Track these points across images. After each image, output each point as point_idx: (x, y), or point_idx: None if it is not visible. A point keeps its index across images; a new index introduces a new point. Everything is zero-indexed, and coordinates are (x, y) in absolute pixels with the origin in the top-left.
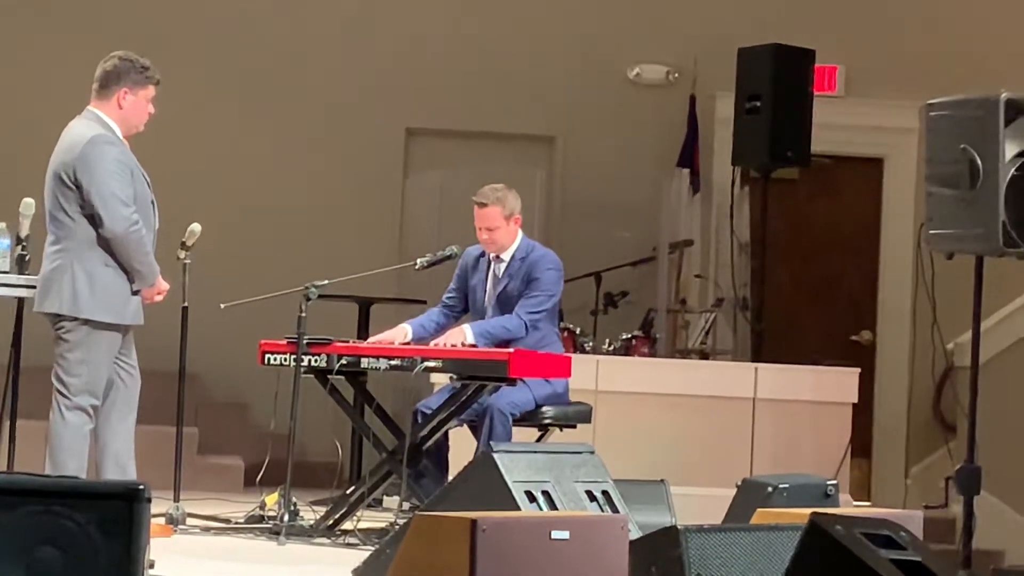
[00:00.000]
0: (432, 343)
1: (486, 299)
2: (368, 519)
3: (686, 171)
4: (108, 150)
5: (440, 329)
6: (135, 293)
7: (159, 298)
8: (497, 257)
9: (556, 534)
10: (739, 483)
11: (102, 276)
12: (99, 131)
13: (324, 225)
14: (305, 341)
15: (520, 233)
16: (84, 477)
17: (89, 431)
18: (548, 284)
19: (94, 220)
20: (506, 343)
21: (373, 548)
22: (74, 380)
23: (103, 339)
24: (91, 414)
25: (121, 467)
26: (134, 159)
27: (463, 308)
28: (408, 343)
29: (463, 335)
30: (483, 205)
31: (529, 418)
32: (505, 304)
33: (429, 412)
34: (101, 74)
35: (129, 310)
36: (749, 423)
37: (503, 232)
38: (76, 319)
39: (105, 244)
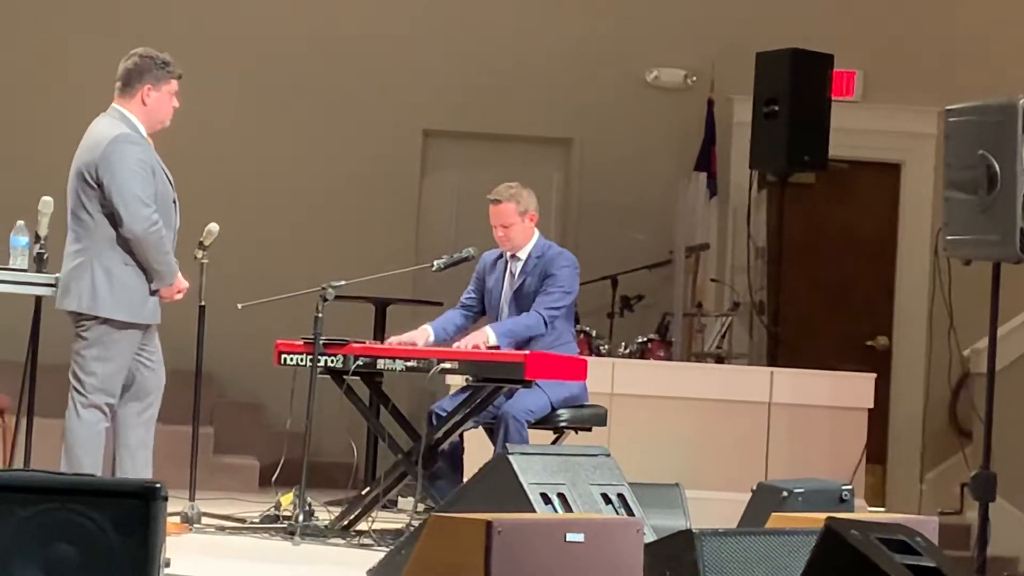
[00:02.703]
0: (455, 345)
1: (502, 298)
2: (383, 520)
3: (703, 175)
4: (130, 149)
5: (460, 331)
6: (154, 293)
7: (179, 297)
8: (514, 256)
9: (571, 536)
10: (754, 487)
11: (121, 275)
12: (122, 130)
13: (341, 226)
14: (321, 341)
15: (537, 232)
16: (99, 474)
17: (104, 429)
18: (565, 280)
19: (114, 219)
20: (527, 341)
21: (388, 549)
22: (90, 378)
23: (121, 338)
24: (106, 412)
25: (134, 460)
26: (156, 158)
27: (481, 309)
28: (431, 344)
29: (486, 336)
30: (497, 202)
31: (544, 421)
32: (521, 302)
33: (444, 414)
34: (123, 72)
35: (147, 309)
36: (764, 427)
37: (518, 229)
38: (95, 317)
39: (125, 243)
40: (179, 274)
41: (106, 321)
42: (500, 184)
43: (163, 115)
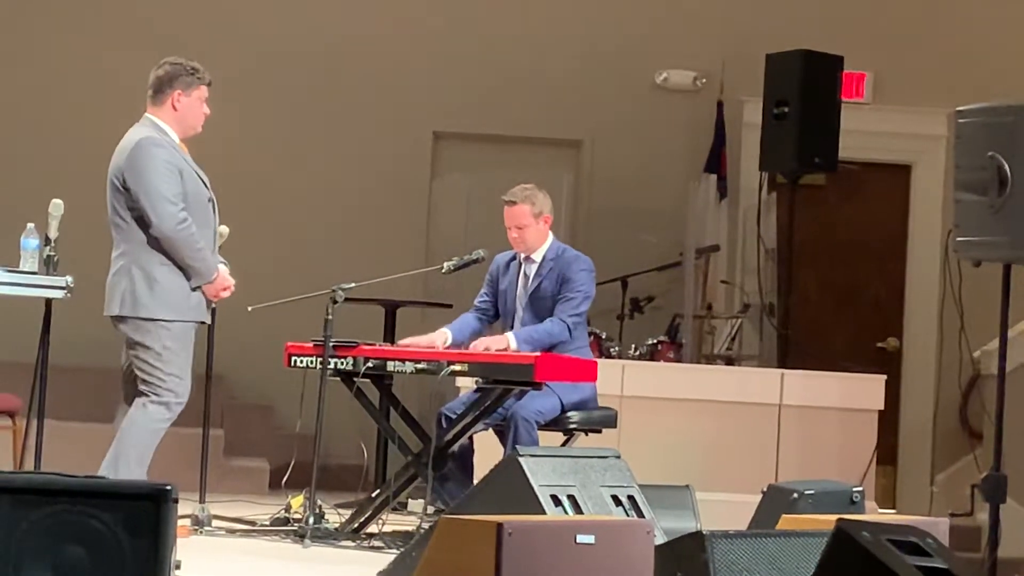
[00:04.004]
0: (472, 346)
1: (516, 300)
2: (393, 522)
3: (713, 176)
4: (155, 152)
5: (475, 335)
6: (195, 289)
7: (225, 294)
8: (528, 258)
9: (581, 538)
10: (764, 489)
11: (160, 275)
12: (148, 134)
13: (351, 228)
14: (331, 344)
15: (551, 235)
16: (145, 468)
17: (163, 428)
18: (583, 285)
19: (144, 221)
20: (549, 349)
21: (398, 551)
22: (152, 380)
23: (169, 335)
24: (172, 409)
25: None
26: (183, 159)
27: (495, 313)
28: (447, 347)
29: (507, 342)
30: (512, 203)
31: (555, 423)
32: (537, 304)
33: (453, 416)
34: (154, 81)
35: (189, 306)
36: (775, 429)
37: (532, 231)
38: (138, 318)
39: (158, 244)
40: (221, 272)
41: (149, 320)
42: (511, 186)
43: (194, 120)
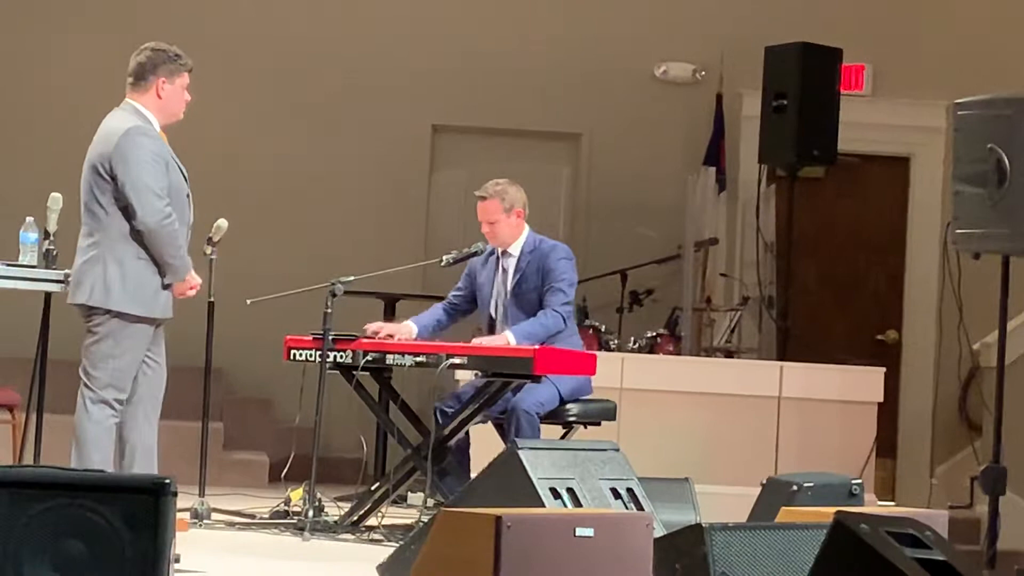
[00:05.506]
0: (473, 343)
1: (494, 293)
2: (393, 515)
3: (712, 169)
4: (144, 142)
5: (442, 329)
6: (166, 287)
7: (191, 293)
8: (505, 252)
9: (581, 531)
10: (764, 481)
11: (134, 269)
12: (136, 123)
13: (350, 221)
14: (331, 337)
15: (527, 228)
16: (109, 470)
17: (114, 424)
18: (565, 273)
19: (128, 212)
20: (548, 341)
21: (398, 544)
22: (99, 373)
23: (132, 332)
24: (115, 408)
25: (143, 465)
26: (169, 151)
27: (467, 309)
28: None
29: (506, 340)
30: (483, 198)
31: (553, 415)
32: (522, 299)
33: (448, 411)
34: (135, 67)
35: (159, 304)
36: (774, 422)
37: (503, 226)
38: (107, 311)
39: (138, 237)
40: (192, 270)
41: (118, 315)
42: (510, 178)
43: (177, 108)
